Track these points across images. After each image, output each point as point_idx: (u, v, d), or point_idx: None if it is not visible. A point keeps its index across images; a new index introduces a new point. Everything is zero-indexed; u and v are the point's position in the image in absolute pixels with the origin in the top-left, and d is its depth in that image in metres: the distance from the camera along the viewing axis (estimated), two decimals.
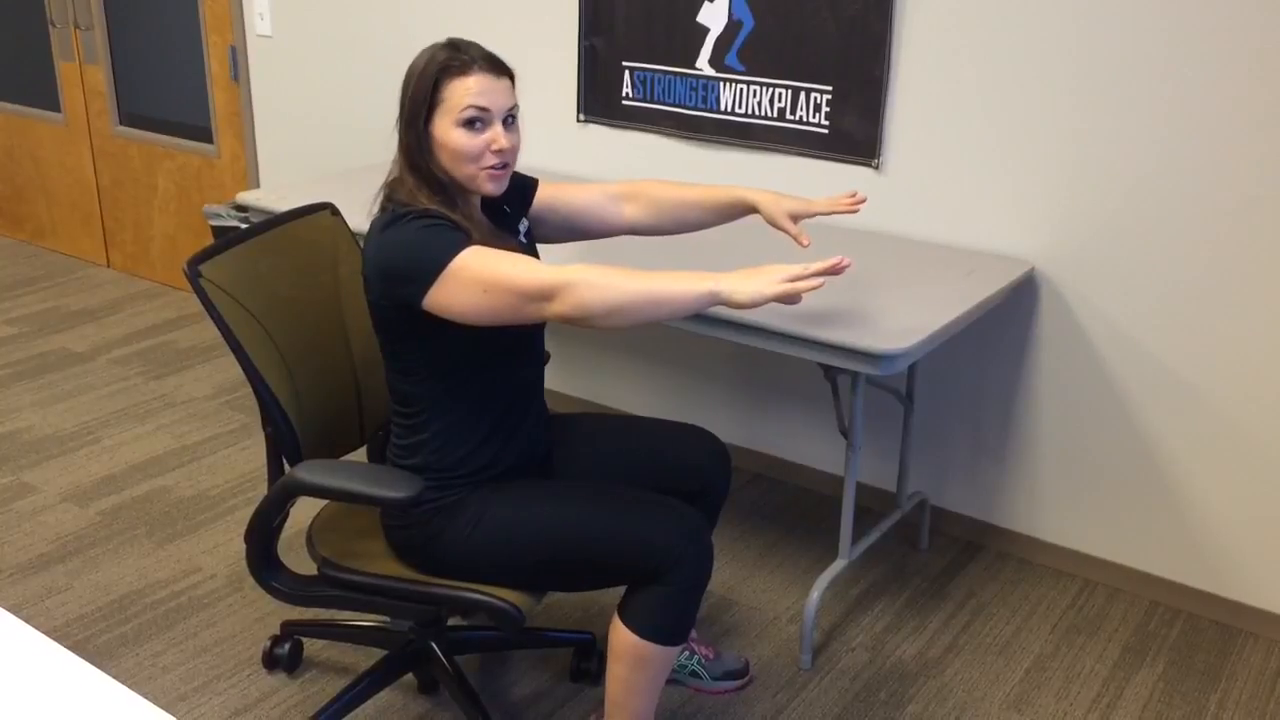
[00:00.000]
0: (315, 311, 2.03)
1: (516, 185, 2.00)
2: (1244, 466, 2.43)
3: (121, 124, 4.34)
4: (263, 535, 1.88)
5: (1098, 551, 2.66)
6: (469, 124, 1.74)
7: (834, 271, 1.72)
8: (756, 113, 2.82)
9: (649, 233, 2.13)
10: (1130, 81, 2.34)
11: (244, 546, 1.88)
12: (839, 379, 2.30)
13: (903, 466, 2.75)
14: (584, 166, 3.15)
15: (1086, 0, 2.34)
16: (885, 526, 2.62)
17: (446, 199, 1.78)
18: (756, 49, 2.77)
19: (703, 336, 3.04)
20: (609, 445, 2.06)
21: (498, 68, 1.78)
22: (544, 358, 2.00)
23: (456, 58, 1.76)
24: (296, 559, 2.07)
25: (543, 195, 2.07)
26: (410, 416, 1.85)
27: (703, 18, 2.83)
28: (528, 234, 2.03)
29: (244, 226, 3.55)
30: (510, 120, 1.79)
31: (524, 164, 3.22)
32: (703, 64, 2.86)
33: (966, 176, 2.59)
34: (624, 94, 3.01)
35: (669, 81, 2.93)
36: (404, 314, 1.74)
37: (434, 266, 1.67)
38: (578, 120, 3.13)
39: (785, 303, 1.71)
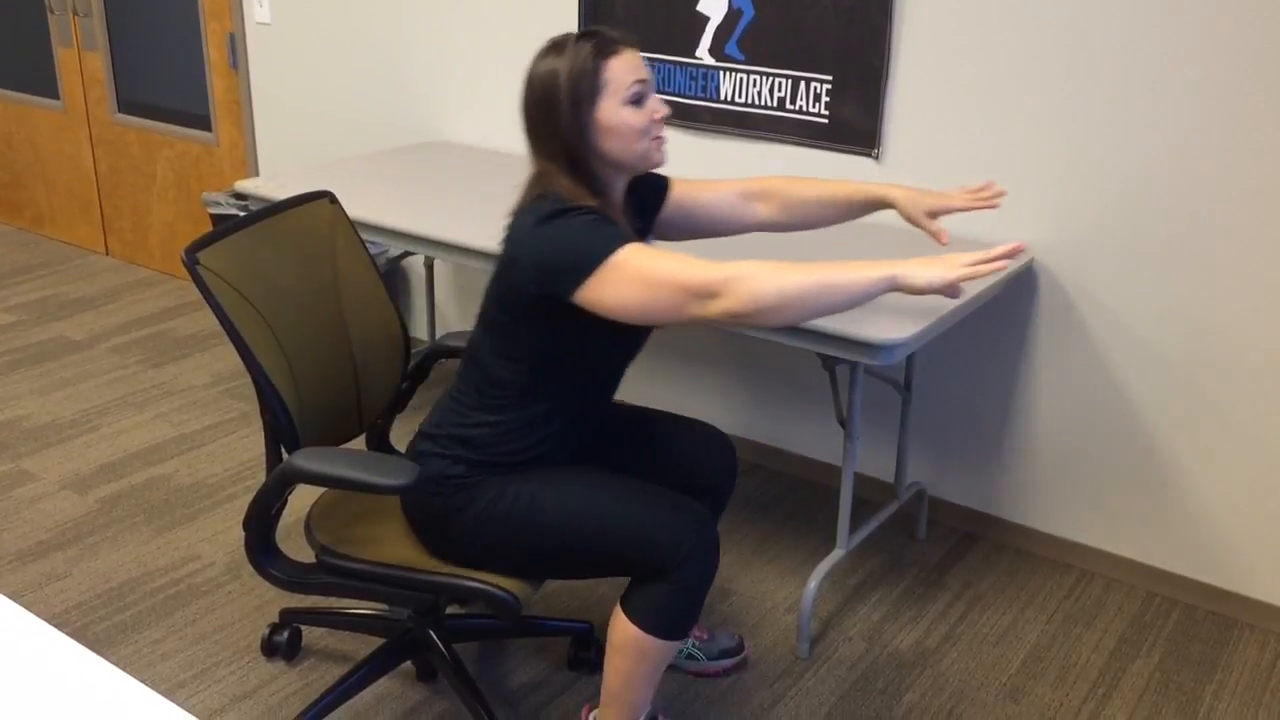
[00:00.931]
0: (313, 300, 2.03)
1: (649, 184, 1.98)
2: (1241, 458, 2.43)
3: (120, 111, 4.34)
4: (261, 523, 1.88)
5: (1094, 542, 2.67)
6: (636, 101, 1.75)
7: (1012, 255, 1.71)
8: (756, 102, 2.82)
9: (779, 230, 2.10)
10: (1128, 73, 2.34)
11: (243, 534, 1.88)
12: (837, 369, 2.30)
13: (901, 457, 2.75)
14: None
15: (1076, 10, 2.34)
16: (883, 517, 2.63)
17: (600, 193, 1.77)
18: (756, 38, 2.77)
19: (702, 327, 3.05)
20: (619, 434, 2.06)
21: (633, 42, 1.79)
22: None
23: (604, 42, 1.75)
24: (295, 547, 2.07)
25: (675, 197, 2.03)
26: (488, 396, 1.84)
27: (703, 7, 2.82)
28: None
29: (243, 214, 3.56)
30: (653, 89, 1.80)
31: (517, 155, 3.23)
32: (703, 53, 2.86)
33: (965, 167, 2.59)
34: None
35: (669, 70, 2.93)
36: (545, 304, 1.73)
37: (595, 259, 1.66)
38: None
39: (949, 295, 1.70)
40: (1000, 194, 2.01)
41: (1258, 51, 2.20)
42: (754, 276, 1.63)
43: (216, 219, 3.62)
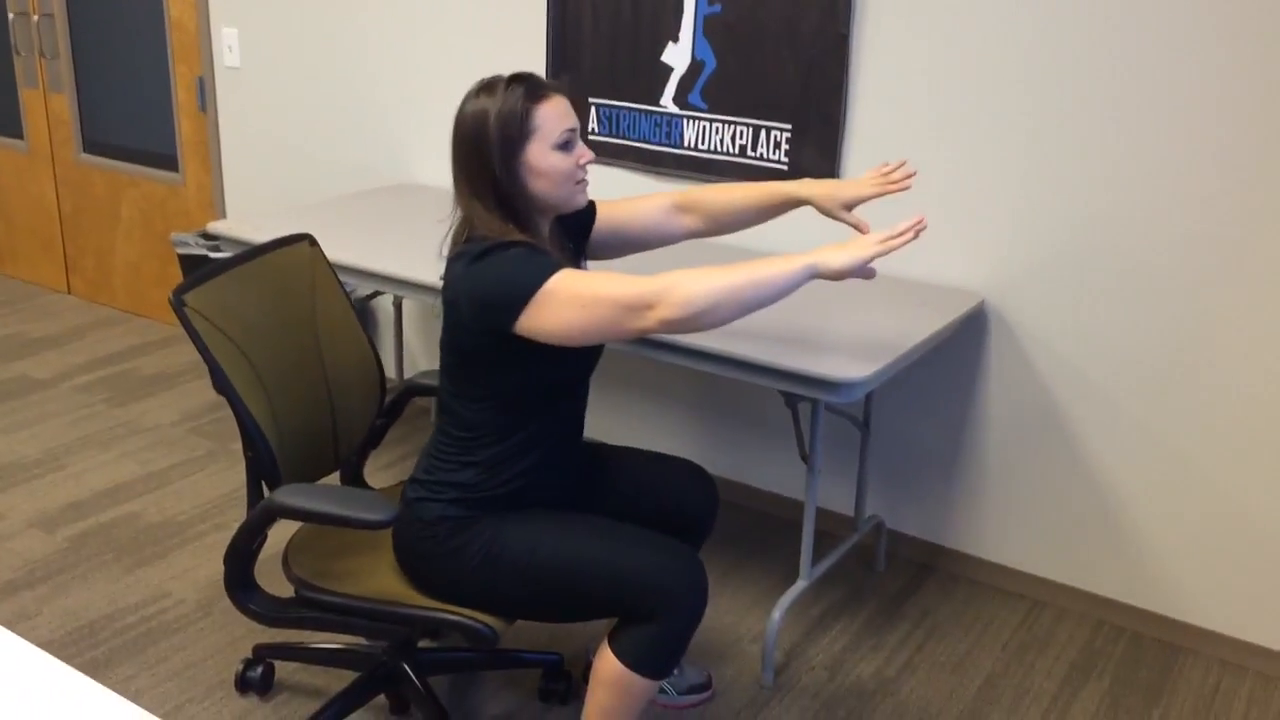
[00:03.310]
0: (292, 339, 2.09)
1: (577, 214, 2.04)
2: (1184, 491, 2.55)
3: (85, 152, 4.36)
4: (241, 557, 1.92)
5: (1046, 573, 2.77)
6: (564, 146, 1.82)
7: (916, 228, 1.82)
8: (719, 149, 2.92)
9: (705, 236, 2.19)
10: (1077, 122, 2.46)
11: (213, 571, 1.92)
12: (799, 406, 2.38)
13: (860, 491, 2.84)
14: None
15: (1034, 43, 2.46)
16: (844, 549, 2.71)
17: (526, 229, 1.84)
18: (719, 88, 2.87)
19: (666, 364, 3.13)
20: (603, 475, 2.11)
21: (563, 90, 1.86)
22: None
23: (536, 86, 1.82)
24: (271, 581, 2.10)
25: (603, 218, 2.11)
26: (464, 440, 1.90)
27: (667, 57, 2.93)
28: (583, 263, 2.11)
29: (212, 255, 3.60)
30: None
31: None
32: (667, 101, 2.96)
33: (919, 212, 2.70)
34: (590, 129, 3.10)
35: (634, 117, 3.03)
36: (490, 340, 1.80)
37: (530, 289, 1.73)
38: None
39: (865, 276, 1.83)
40: (911, 174, 2.09)
41: (1206, 105, 2.33)
42: (684, 283, 1.71)
43: (185, 259, 3.65)
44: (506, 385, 1.86)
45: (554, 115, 1.82)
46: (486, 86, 1.84)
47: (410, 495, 1.94)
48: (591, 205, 2.10)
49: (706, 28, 2.85)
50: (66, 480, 3.17)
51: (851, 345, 2.24)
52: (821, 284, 2.63)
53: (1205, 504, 2.53)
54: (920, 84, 2.62)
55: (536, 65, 3.15)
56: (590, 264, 2.13)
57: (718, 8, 2.82)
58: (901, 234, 1.82)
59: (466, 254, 1.81)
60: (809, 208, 2.15)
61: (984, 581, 2.85)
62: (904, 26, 2.61)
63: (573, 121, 1.85)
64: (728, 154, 2.91)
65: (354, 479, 2.28)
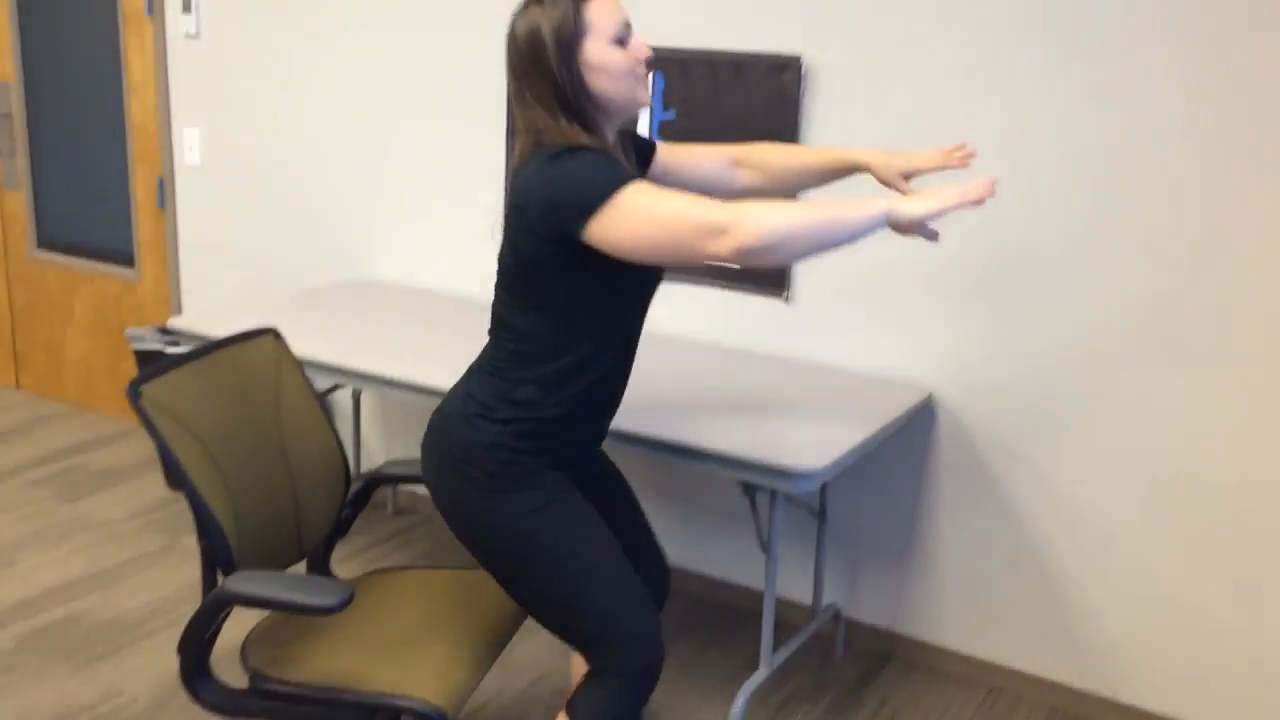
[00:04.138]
0: (254, 430, 2.11)
1: (637, 147, 2.02)
2: (1130, 578, 2.63)
3: (40, 248, 4.37)
4: (195, 646, 1.91)
5: (1001, 659, 2.82)
6: (620, 41, 1.81)
7: (991, 188, 1.77)
8: None
9: (760, 196, 2.14)
10: (1006, 223, 2.60)
11: (167, 668, 1.91)
12: (757, 495, 2.44)
13: (818, 579, 2.89)
14: None
15: (976, 144, 2.60)
16: (802, 637, 2.74)
17: (597, 137, 1.82)
18: None
19: (627, 454, 3.18)
20: (607, 496, 2.12)
21: None
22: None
23: None
24: (235, 675, 2.09)
25: (661, 159, 2.09)
26: (520, 354, 1.87)
27: None
28: None
29: (169, 350, 3.61)
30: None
31: (445, 292, 3.37)
32: None
33: (868, 309, 2.81)
34: None
35: None
36: (553, 248, 1.76)
37: (605, 194, 1.70)
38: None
39: (929, 237, 1.82)
40: (971, 154, 2.08)
41: (1149, 202, 2.48)
42: (761, 213, 1.68)
43: (141, 354, 3.65)
44: (568, 297, 1.82)
45: (605, 11, 1.81)
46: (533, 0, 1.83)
47: (465, 410, 1.91)
48: (652, 144, 2.10)
49: (661, 132, 2.97)
50: (15, 578, 3.11)
51: (807, 436, 2.31)
52: (777, 376, 2.71)
53: (1150, 592, 2.61)
54: (866, 187, 2.74)
55: (495, 169, 3.25)
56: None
57: (671, 114, 2.94)
58: (977, 190, 1.77)
59: (540, 157, 1.78)
60: (865, 175, 2.15)
61: (941, 668, 2.89)
62: (849, 133, 2.74)
63: (624, 15, 1.83)
64: None
65: (320, 569, 2.28)
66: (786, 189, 2.17)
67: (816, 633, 2.89)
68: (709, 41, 2.87)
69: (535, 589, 1.91)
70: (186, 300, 4.03)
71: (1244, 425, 2.44)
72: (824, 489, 2.86)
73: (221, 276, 3.93)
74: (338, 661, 1.99)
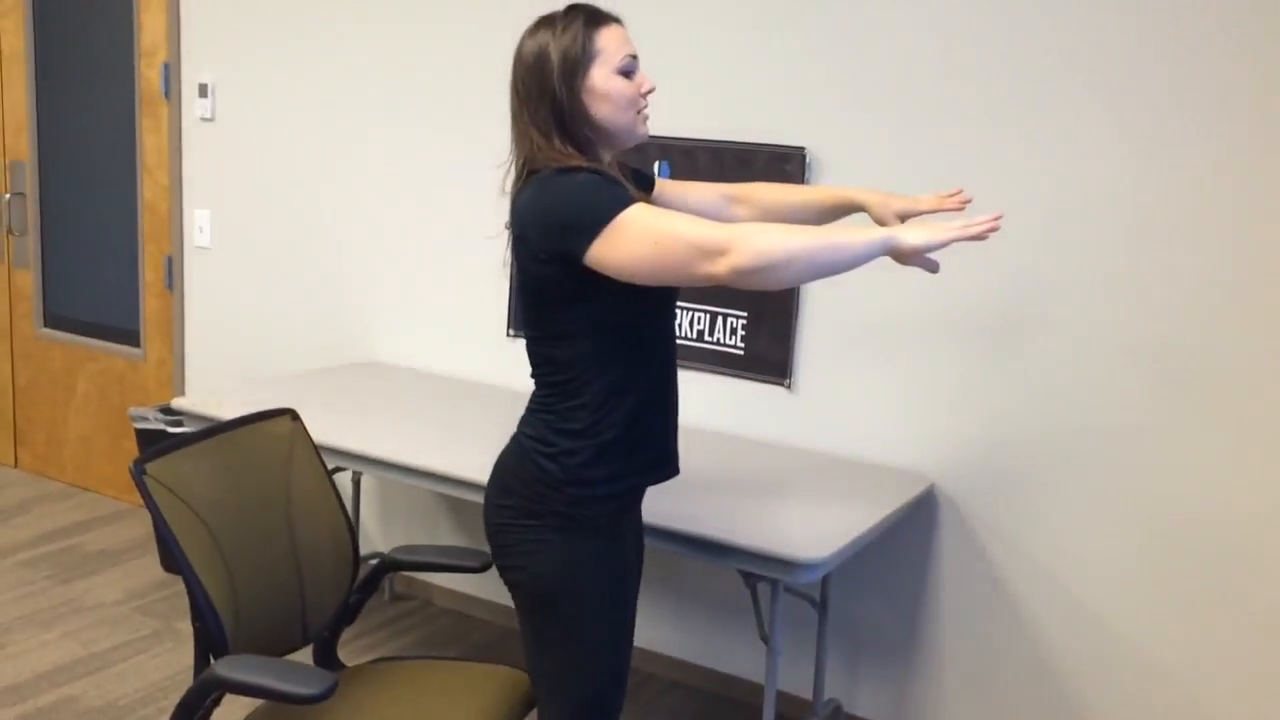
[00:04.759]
0: (262, 513, 2.10)
1: (636, 179, 2.03)
2: (1133, 677, 2.58)
3: (46, 325, 4.39)
4: None
5: None
6: (626, 72, 1.82)
7: (995, 222, 1.72)
8: (677, 334, 3.03)
9: None
10: (1006, 314, 2.61)
11: None
12: (758, 586, 2.41)
13: (818, 672, 2.84)
14: (515, 379, 3.31)
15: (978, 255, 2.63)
16: None
17: (596, 159, 1.83)
18: None
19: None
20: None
21: (621, 20, 1.87)
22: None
23: (595, 15, 1.83)
24: None
25: (659, 193, 2.11)
26: (564, 384, 1.84)
27: None
28: None
29: (171, 430, 3.60)
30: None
31: (451, 377, 3.38)
32: None
33: (869, 398, 2.81)
34: None
35: None
36: (559, 270, 1.75)
37: (604, 216, 1.69)
38: (507, 335, 3.31)
39: (928, 268, 1.75)
40: (967, 200, 2.09)
41: (1137, 285, 2.49)
42: (761, 234, 1.67)
43: (142, 434, 3.64)
44: (590, 314, 1.80)
45: (615, 40, 1.82)
46: (544, 21, 1.83)
47: (523, 447, 1.88)
48: (652, 178, 2.11)
49: None
50: (4, 662, 3.07)
51: (808, 526, 2.29)
52: (777, 464, 2.70)
53: (1152, 689, 2.56)
54: (869, 276, 2.77)
55: (499, 244, 3.28)
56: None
57: None
58: (981, 225, 1.73)
59: (536, 180, 1.78)
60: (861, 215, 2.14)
61: None
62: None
63: (633, 49, 1.84)
64: (686, 338, 3.02)
65: (325, 655, 2.25)
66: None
67: None
68: (715, 133, 2.92)
69: (554, 637, 1.88)
70: (190, 380, 4.04)
71: (1255, 512, 2.42)
72: (825, 580, 2.83)
73: (226, 357, 3.94)
74: None
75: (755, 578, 2.31)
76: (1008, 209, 2.58)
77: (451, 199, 3.37)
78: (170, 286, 4.02)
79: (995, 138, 2.58)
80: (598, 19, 1.83)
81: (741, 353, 2.95)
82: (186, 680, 3.02)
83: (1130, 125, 2.44)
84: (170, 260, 4.00)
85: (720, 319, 2.97)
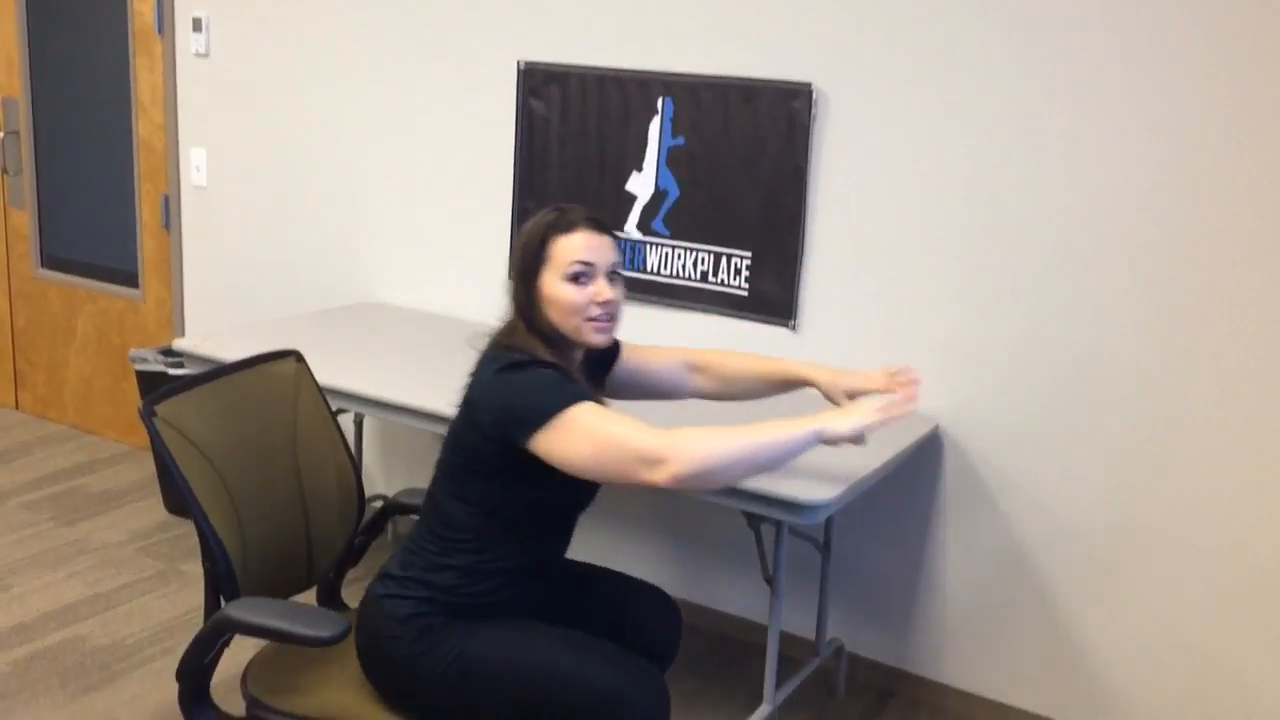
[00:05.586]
0: (269, 454, 2.09)
1: (602, 352, 2.07)
2: (1136, 615, 2.59)
3: (44, 267, 4.36)
4: (195, 673, 1.88)
5: (1007, 699, 2.78)
6: (575, 278, 1.87)
7: (912, 398, 1.93)
8: (680, 274, 3.00)
9: (713, 399, 2.26)
10: (1028, 250, 2.58)
11: (162, 697, 1.89)
12: (762, 528, 2.41)
13: (821, 614, 2.85)
14: None
15: (973, 175, 2.59)
16: (805, 673, 2.71)
17: (558, 353, 1.90)
18: (681, 216, 2.97)
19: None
20: (573, 592, 2.11)
21: (600, 226, 1.92)
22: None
23: (562, 218, 1.90)
24: (236, 704, 2.06)
25: (626, 361, 2.17)
26: (447, 541, 1.90)
27: (631, 186, 3.03)
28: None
29: (172, 371, 3.58)
30: (614, 275, 1.92)
31: (453, 318, 3.35)
32: (630, 228, 3.05)
33: (874, 338, 2.78)
34: None
35: None
36: (500, 450, 1.82)
37: (550, 411, 1.76)
38: (509, 278, 3.28)
39: (857, 443, 1.89)
40: (916, 380, 2.12)
41: (1133, 238, 2.46)
42: (698, 442, 1.75)
43: (143, 376, 3.63)
44: (502, 496, 1.88)
45: (569, 247, 1.88)
46: (548, 209, 1.95)
47: (379, 592, 1.93)
48: (617, 344, 2.15)
49: (670, 159, 2.96)
50: (10, 602, 3.08)
51: (813, 468, 2.28)
52: (781, 406, 2.68)
53: (1157, 630, 2.57)
54: (874, 215, 2.73)
55: (504, 191, 3.24)
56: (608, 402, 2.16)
57: (681, 140, 2.93)
58: (904, 400, 1.92)
59: (497, 362, 1.86)
60: (813, 390, 2.23)
61: (945, 706, 2.85)
62: (859, 160, 2.73)
63: (590, 256, 1.88)
64: (689, 279, 2.99)
65: (329, 597, 2.26)
66: (738, 395, 2.27)
67: (820, 668, 2.85)
68: (719, 68, 2.86)
69: (509, 712, 1.86)
70: (190, 322, 4.02)
71: (1267, 451, 2.41)
72: (829, 522, 2.83)
73: (225, 298, 3.91)
74: (336, 695, 1.96)
75: (759, 519, 2.31)
76: (1022, 147, 2.54)
77: (456, 138, 3.32)
78: (168, 226, 3.98)
79: (1008, 75, 2.52)
80: (560, 223, 1.90)
81: (746, 294, 2.92)
82: (193, 620, 3.04)
83: (1137, 41, 2.39)
84: (167, 200, 3.95)
85: (725, 259, 2.93)
